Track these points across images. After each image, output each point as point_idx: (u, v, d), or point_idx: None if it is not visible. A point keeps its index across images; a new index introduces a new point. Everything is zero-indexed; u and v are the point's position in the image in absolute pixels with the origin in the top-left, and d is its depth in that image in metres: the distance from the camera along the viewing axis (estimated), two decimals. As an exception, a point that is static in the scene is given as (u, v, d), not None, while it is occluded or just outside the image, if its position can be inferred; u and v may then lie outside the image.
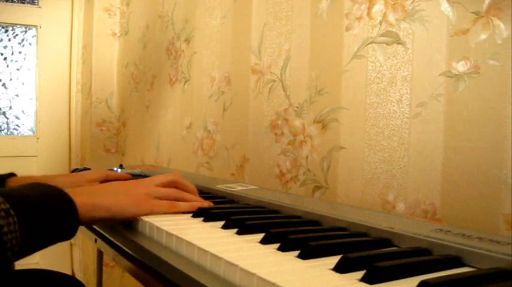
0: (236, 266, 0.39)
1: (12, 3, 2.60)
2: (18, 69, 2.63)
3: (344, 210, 0.64)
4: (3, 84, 2.62)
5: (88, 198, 0.57)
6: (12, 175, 0.83)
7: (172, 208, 0.64)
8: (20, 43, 2.63)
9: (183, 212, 0.64)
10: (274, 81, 1.06)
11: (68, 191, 0.55)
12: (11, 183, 0.80)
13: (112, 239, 0.62)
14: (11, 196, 0.49)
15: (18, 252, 0.47)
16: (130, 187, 0.65)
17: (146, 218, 0.59)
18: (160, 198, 0.65)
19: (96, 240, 0.69)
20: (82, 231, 0.77)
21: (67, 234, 0.54)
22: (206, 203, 0.68)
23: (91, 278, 2.32)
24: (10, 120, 2.64)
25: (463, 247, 0.43)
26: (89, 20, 2.37)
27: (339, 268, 0.38)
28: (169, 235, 0.52)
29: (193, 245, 0.46)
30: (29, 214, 0.49)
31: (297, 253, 0.43)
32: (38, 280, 0.81)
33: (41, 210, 0.50)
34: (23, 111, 2.66)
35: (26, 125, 2.66)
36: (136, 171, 1.16)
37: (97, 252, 1.41)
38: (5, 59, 2.61)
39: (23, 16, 2.62)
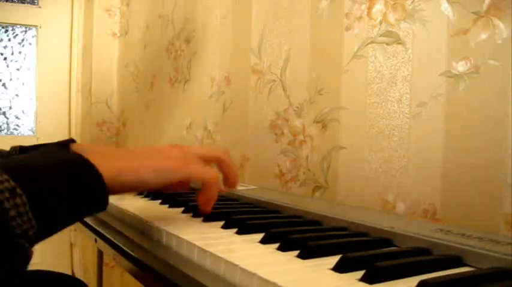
0: (236, 266, 0.39)
1: (12, 3, 2.60)
2: (18, 69, 2.63)
3: (344, 210, 0.64)
4: (3, 84, 2.62)
5: (112, 161, 0.49)
6: (72, 140, 0.77)
7: (214, 178, 0.55)
8: (20, 43, 2.63)
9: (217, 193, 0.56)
10: (274, 81, 1.06)
11: (88, 155, 0.46)
12: (75, 148, 0.73)
13: (112, 239, 0.62)
14: (15, 170, 0.41)
15: (36, 235, 0.40)
16: (161, 150, 0.56)
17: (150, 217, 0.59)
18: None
19: (96, 240, 0.69)
20: (82, 231, 0.77)
21: (96, 206, 0.46)
22: None
23: (91, 278, 2.32)
24: (10, 120, 2.64)
25: (463, 246, 0.43)
26: (89, 20, 2.37)
27: (339, 268, 0.38)
28: (169, 234, 0.52)
29: (193, 244, 0.46)
30: (41, 191, 0.41)
31: (297, 252, 0.43)
32: (40, 280, 0.81)
33: (56, 183, 0.42)
34: (23, 111, 2.66)
35: (26, 125, 2.66)
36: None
37: (97, 252, 1.41)
38: (5, 59, 2.61)
39: (23, 16, 2.62)
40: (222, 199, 0.79)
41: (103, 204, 0.47)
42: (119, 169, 0.49)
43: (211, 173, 0.56)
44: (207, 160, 0.59)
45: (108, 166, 0.47)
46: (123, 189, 0.50)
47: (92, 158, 0.46)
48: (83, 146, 0.77)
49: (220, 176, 0.59)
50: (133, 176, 0.50)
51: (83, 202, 0.44)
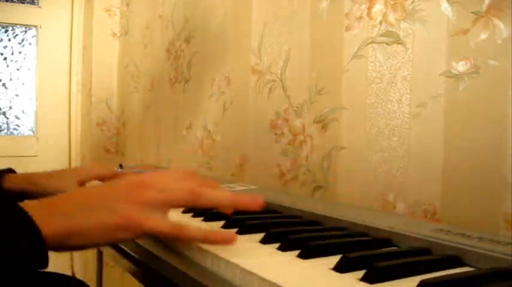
0: (236, 266, 0.39)
1: (12, 3, 2.60)
2: (18, 69, 2.63)
3: (344, 210, 0.64)
4: (3, 84, 2.62)
5: (61, 220, 0.42)
6: (10, 170, 0.78)
7: (178, 231, 0.45)
8: (20, 43, 2.63)
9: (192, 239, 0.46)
10: (274, 81, 1.06)
11: (36, 212, 0.41)
12: (8, 180, 0.74)
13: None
14: None
15: None
16: (117, 196, 0.46)
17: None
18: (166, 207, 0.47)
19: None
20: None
21: (30, 269, 0.41)
22: (232, 236, 0.45)
23: (91, 278, 2.32)
24: (10, 120, 2.63)
25: (463, 247, 0.43)
26: (89, 20, 2.37)
27: (339, 268, 0.38)
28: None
29: (193, 245, 0.46)
30: None
31: (297, 253, 0.43)
32: (40, 281, 0.80)
33: None
34: (23, 111, 2.66)
35: (26, 125, 2.66)
36: (136, 171, 1.16)
37: (97, 252, 1.41)
38: (5, 59, 2.61)
39: (23, 16, 2.62)
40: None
41: (39, 266, 0.41)
42: (67, 232, 0.42)
43: (169, 226, 0.45)
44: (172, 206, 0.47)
45: (54, 228, 0.41)
46: (68, 250, 0.45)
47: (38, 217, 0.40)
48: (23, 176, 0.74)
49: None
50: (83, 240, 0.43)
51: (14, 260, 0.39)
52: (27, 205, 0.42)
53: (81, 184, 0.80)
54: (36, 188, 0.73)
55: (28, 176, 0.76)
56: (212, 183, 0.52)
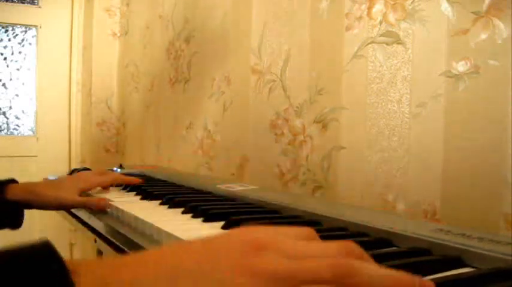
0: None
1: (12, 3, 2.60)
2: (18, 69, 2.63)
3: (344, 210, 0.64)
4: (3, 84, 2.62)
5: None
6: (12, 181, 0.77)
7: None
8: (20, 43, 2.63)
9: None
10: (274, 81, 1.06)
11: (89, 279, 0.25)
12: (10, 191, 0.74)
13: (112, 239, 0.62)
14: None
15: None
16: (226, 262, 0.28)
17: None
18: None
19: (96, 240, 0.69)
20: (82, 231, 0.77)
21: None
22: None
23: (91, 278, 2.31)
24: (10, 120, 2.63)
25: (463, 247, 0.43)
26: (89, 20, 2.37)
27: (339, 268, 0.38)
28: (171, 235, 0.52)
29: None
30: None
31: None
32: None
33: None
34: (23, 111, 2.66)
35: (26, 125, 2.66)
36: (136, 171, 1.16)
37: (97, 252, 1.41)
38: (5, 59, 2.61)
39: (23, 16, 2.62)
40: (221, 199, 0.78)
41: None
42: None
43: None
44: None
45: None
46: None
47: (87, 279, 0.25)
48: (25, 185, 0.75)
49: None
50: None
51: None
52: (87, 264, 0.27)
53: (82, 192, 0.79)
54: (37, 198, 0.75)
55: (29, 186, 0.77)
56: (359, 250, 0.31)
